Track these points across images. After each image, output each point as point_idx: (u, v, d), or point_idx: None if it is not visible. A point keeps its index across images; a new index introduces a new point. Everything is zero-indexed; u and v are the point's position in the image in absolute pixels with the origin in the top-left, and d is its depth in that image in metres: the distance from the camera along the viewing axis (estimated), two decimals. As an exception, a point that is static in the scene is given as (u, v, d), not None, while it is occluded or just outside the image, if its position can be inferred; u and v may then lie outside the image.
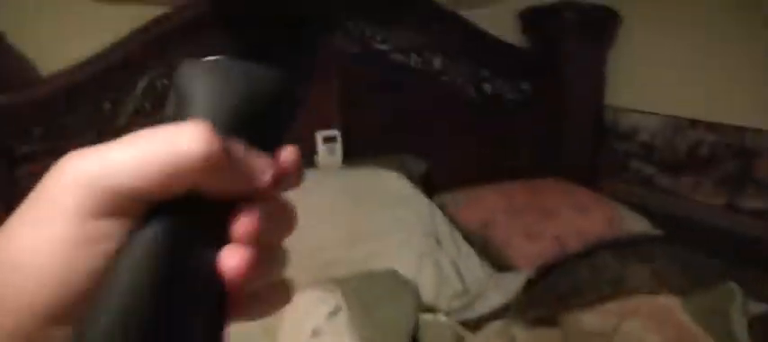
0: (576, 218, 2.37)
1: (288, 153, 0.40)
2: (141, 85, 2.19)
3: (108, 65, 2.13)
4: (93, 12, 2.17)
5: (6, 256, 0.35)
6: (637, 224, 2.41)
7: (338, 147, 2.41)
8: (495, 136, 2.72)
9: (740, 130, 2.46)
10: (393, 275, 1.96)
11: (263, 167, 0.39)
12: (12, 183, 2.04)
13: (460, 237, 2.27)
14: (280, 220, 0.40)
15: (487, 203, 2.45)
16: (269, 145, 0.39)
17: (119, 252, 0.35)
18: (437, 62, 2.60)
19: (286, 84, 0.40)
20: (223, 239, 0.37)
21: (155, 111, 2.20)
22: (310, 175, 2.24)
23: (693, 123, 2.57)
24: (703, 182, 2.57)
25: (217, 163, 0.36)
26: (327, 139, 2.39)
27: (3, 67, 2.02)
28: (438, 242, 2.16)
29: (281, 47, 0.43)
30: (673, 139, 2.63)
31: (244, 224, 0.37)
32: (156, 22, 2.17)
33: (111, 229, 0.35)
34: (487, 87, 2.70)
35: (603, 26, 2.73)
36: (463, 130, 2.65)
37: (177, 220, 0.36)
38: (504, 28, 2.74)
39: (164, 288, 0.34)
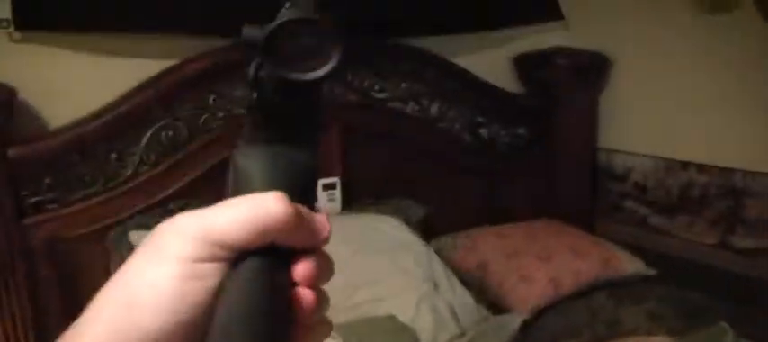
0: (571, 260, 2.44)
1: (322, 217, 0.50)
2: (146, 136, 2.28)
3: (115, 117, 2.22)
4: (101, 65, 2.27)
5: (125, 294, 0.45)
6: (631, 264, 2.49)
7: (338, 194, 2.49)
8: (492, 180, 2.81)
9: (730, 171, 2.55)
10: (392, 321, 2.03)
11: (323, 225, 0.49)
12: (21, 231, 2.13)
13: (457, 280, 2.34)
14: (326, 269, 0.49)
15: (484, 246, 2.53)
16: (311, 207, 0.49)
17: (222, 288, 0.45)
18: (434, 109, 2.70)
19: (315, 160, 0.51)
20: (291, 282, 0.47)
21: (159, 161, 2.29)
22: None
23: (685, 165, 2.66)
24: (696, 222, 2.66)
25: (294, 222, 0.45)
26: (327, 187, 2.48)
27: (14, 121, 2.11)
28: (435, 286, 2.24)
29: (307, 134, 0.52)
30: (665, 181, 2.72)
31: (308, 267, 0.47)
32: (162, 75, 2.27)
33: (212, 272, 0.44)
34: (484, 132, 2.79)
35: (595, 71, 2.83)
36: (460, 175, 2.74)
37: (266, 261, 0.45)
38: (499, 74, 2.84)
39: (266, 308, 0.45)
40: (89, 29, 2.21)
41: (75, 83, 2.25)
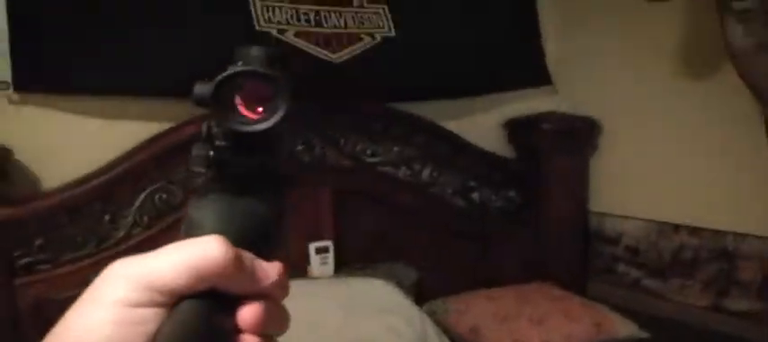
0: (563, 323, 2.46)
1: (277, 266, 0.50)
2: (140, 198, 2.32)
3: (109, 179, 2.27)
4: (97, 127, 2.33)
5: (65, 339, 0.45)
6: (624, 327, 2.50)
7: (330, 257, 2.52)
8: (484, 243, 2.85)
9: (722, 234, 2.59)
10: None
11: (268, 272, 0.49)
12: (11, 291, 2.15)
13: (450, 343, 2.36)
14: (276, 318, 0.49)
15: (476, 310, 2.55)
16: (266, 258, 0.49)
17: (159, 332, 0.45)
18: (425, 174, 2.76)
19: (274, 210, 0.53)
20: (234, 328, 0.47)
21: (152, 224, 2.32)
22: (303, 284, 2.35)
23: (677, 228, 2.70)
24: (689, 284, 2.68)
25: (232, 265, 0.46)
26: (320, 250, 2.51)
27: (8, 181, 2.16)
28: (428, 349, 2.25)
29: (265, 185, 0.54)
30: (657, 243, 2.76)
31: (251, 313, 0.47)
32: (157, 138, 2.32)
33: (151, 317, 0.44)
34: (475, 196, 2.84)
35: (585, 135, 2.90)
36: (452, 238, 2.78)
37: (203, 304, 0.45)
38: (489, 138, 2.91)
39: None
40: (87, 91, 2.28)
41: (70, 144, 2.31)
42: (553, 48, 3.01)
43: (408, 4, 2.67)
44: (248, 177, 0.53)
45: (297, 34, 2.46)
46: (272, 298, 0.49)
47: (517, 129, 2.94)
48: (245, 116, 0.50)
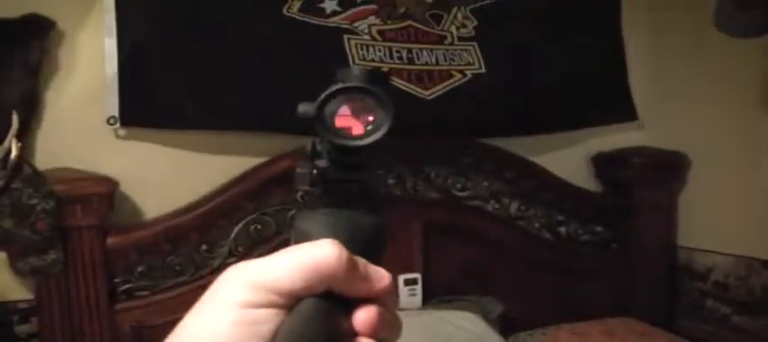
0: (650, 359, 2.51)
1: (381, 269, 0.52)
2: (236, 229, 2.45)
3: (207, 211, 2.40)
4: (196, 161, 2.47)
5: (185, 340, 0.48)
6: (713, 365, 2.54)
7: (419, 289, 2.61)
8: (570, 277, 2.91)
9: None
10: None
11: (381, 275, 0.51)
12: (112, 316, 2.29)
13: (536, 376, 2.43)
14: (390, 323, 0.51)
15: (563, 343, 2.61)
16: (374, 262, 0.52)
17: (282, 328, 0.47)
18: (513, 208, 2.84)
19: (374, 225, 0.55)
20: (350, 331, 0.50)
21: (247, 254, 2.45)
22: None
23: (766, 263, 2.73)
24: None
25: (347, 267, 0.48)
26: (409, 282, 2.60)
27: (114, 211, 2.31)
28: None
29: (366, 201, 0.56)
30: (747, 280, 2.79)
31: (367, 316, 0.49)
32: (252, 172, 2.46)
33: (268, 317, 0.47)
34: (562, 230, 2.91)
35: (672, 169, 2.95)
36: (539, 272, 2.84)
37: (321, 304, 0.48)
38: (577, 173, 2.99)
39: None
40: (187, 126, 2.42)
41: (171, 176, 2.45)
42: (639, 83, 3.06)
43: (497, 41, 2.75)
44: (351, 193, 0.56)
45: (390, 71, 2.57)
46: (385, 304, 0.51)
47: (605, 163, 3.00)
48: (350, 132, 0.52)
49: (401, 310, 2.55)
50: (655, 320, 2.78)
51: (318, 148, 0.56)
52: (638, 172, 2.91)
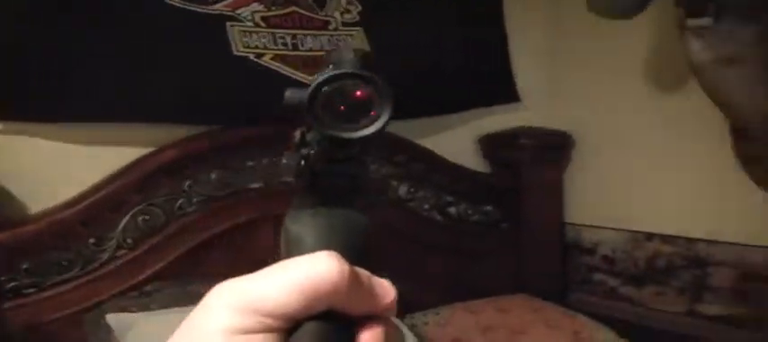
0: (544, 333, 2.72)
1: (386, 281, 0.50)
2: (123, 221, 2.56)
3: (92, 203, 2.50)
4: (80, 153, 2.58)
5: None
6: (603, 335, 2.76)
7: (311, 273, 2.76)
8: (463, 257, 3.12)
9: (694, 241, 2.88)
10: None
11: (386, 290, 0.49)
12: (1, 314, 2.35)
13: (432, 355, 2.60)
14: (395, 338, 0.50)
15: (457, 322, 2.79)
16: (372, 271, 0.50)
17: None
18: (402, 190, 3.04)
19: (369, 226, 0.54)
20: None
21: (136, 245, 2.56)
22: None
23: (650, 236, 3.00)
24: (664, 291, 2.98)
25: (349, 283, 0.45)
26: (301, 266, 2.75)
27: (-5, 208, 2.39)
28: (410, 362, 2.48)
29: (359, 197, 0.56)
30: (632, 253, 3.06)
31: (374, 336, 0.47)
32: (139, 162, 2.58)
33: None
34: (453, 211, 3.13)
35: (558, 149, 3.21)
36: (431, 253, 3.06)
37: (324, 327, 0.46)
38: (465, 154, 3.22)
39: None
40: (69, 118, 2.51)
41: (55, 170, 2.53)
42: (528, 64, 3.31)
43: (383, 25, 2.94)
44: (342, 188, 0.54)
45: (274, 58, 2.73)
46: (387, 319, 0.50)
47: (493, 145, 3.25)
48: (346, 122, 0.50)
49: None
50: (547, 296, 3.00)
51: (307, 137, 0.54)
52: (526, 152, 3.17)
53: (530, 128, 3.18)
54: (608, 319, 2.85)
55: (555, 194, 3.28)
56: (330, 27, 2.88)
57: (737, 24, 2.17)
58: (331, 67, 0.51)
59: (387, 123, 0.51)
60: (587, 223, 3.23)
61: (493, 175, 3.27)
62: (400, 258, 2.94)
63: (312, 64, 2.80)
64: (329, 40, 2.86)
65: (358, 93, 0.51)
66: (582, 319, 2.83)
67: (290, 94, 0.51)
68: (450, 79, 3.10)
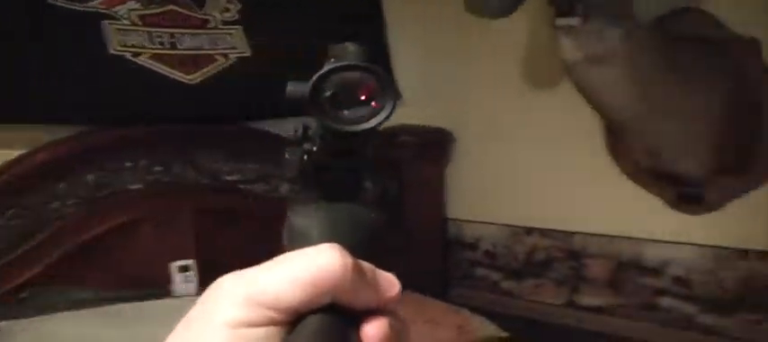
0: (426, 328, 2.79)
1: (390, 275, 0.51)
2: (-5, 226, 2.51)
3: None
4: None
5: None
6: (485, 328, 2.86)
7: (193, 275, 2.78)
8: (347, 255, 3.18)
9: (570, 234, 3.03)
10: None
11: (390, 282, 0.50)
12: None
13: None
14: (400, 333, 0.50)
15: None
16: (378, 264, 0.51)
17: None
18: (283, 189, 3.07)
19: (375, 219, 0.56)
20: None
21: (10, 251, 2.50)
22: (166, 305, 2.59)
23: (529, 231, 3.13)
24: (544, 284, 3.12)
25: (353, 276, 0.46)
26: (182, 269, 2.76)
27: None
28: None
29: (361, 186, 0.57)
30: (512, 247, 3.19)
31: (378, 329, 0.47)
32: (11, 164, 2.53)
33: (266, 335, 0.45)
34: (335, 210, 3.18)
35: (440, 146, 3.32)
36: (315, 252, 3.09)
37: (328, 320, 0.46)
38: (347, 153, 3.26)
39: None
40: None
41: None
42: (408, 61, 3.39)
43: (263, 25, 2.98)
44: (346, 182, 0.56)
45: (152, 57, 2.73)
46: (393, 312, 0.50)
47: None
48: (350, 115, 0.51)
49: (176, 297, 2.71)
50: (430, 292, 3.08)
51: (310, 131, 0.56)
52: (406, 150, 3.25)
53: (410, 125, 3.26)
54: (490, 312, 2.95)
55: (436, 191, 3.38)
56: (209, 26, 2.90)
57: (605, 25, 2.28)
58: (333, 60, 0.52)
59: (389, 115, 0.51)
60: (469, 219, 3.35)
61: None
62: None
63: (191, 63, 2.81)
64: (209, 38, 2.87)
65: (360, 85, 0.51)
66: (465, 313, 2.91)
67: (291, 87, 0.52)
68: None
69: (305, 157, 0.56)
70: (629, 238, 2.89)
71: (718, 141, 2.58)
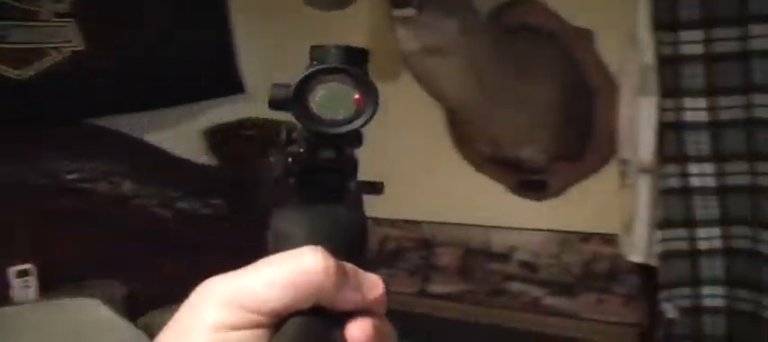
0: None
1: (374, 276, 0.51)
2: None
3: None
4: None
5: None
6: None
7: (33, 280, 2.70)
8: (195, 252, 3.14)
9: (418, 224, 3.11)
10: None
11: (373, 283, 0.50)
12: None
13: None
14: (385, 335, 0.50)
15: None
16: (362, 266, 0.51)
17: None
18: (127, 187, 3.03)
19: (358, 221, 0.56)
20: None
21: None
22: (4, 313, 2.51)
23: (379, 221, 3.19)
24: (396, 274, 3.19)
25: (335, 277, 0.47)
26: (21, 274, 2.67)
27: None
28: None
29: (344, 188, 0.57)
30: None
31: (361, 330, 0.48)
32: None
33: (250, 338, 0.46)
34: (181, 206, 3.16)
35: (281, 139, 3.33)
36: (163, 249, 3.06)
37: (312, 321, 0.47)
38: (192, 147, 3.27)
39: None
40: None
41: None
42: (252, 54, 3.37)
43: (98, 18, 2.90)
44: (329, 184, 0.56)
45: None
46: (377, 313, 0.51)
47: (217, 136, 3.32)
48: (333, 116, 0.52)
49: (14, 304, 2.63)
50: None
51: (294, 134, 0.56)
52: (251, 143, 3.26)
53: (255, 118, 3.28)
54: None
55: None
56: (40, 18, 2.80)
57: (440, 17, 2.35)
58: (315, 62, 0.54)
59: (372, 116, 0.53)
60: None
61: (220, 168, 3.34)
62: (132, 257, 2.94)
63: (20, 58, 2.73)
64: (39, 32, 2.79)
65: (342, 86, 0.53)
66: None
67: (275, 90, 0.53)
68: (172, 72, 3.12)
69: (289, 159, 0.56)
70: (477, 226, 2.98)
71: (556, 128, 2.71)
